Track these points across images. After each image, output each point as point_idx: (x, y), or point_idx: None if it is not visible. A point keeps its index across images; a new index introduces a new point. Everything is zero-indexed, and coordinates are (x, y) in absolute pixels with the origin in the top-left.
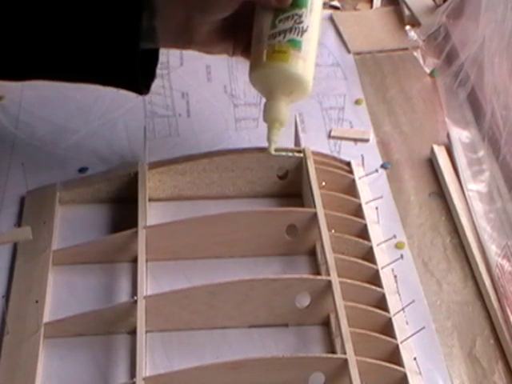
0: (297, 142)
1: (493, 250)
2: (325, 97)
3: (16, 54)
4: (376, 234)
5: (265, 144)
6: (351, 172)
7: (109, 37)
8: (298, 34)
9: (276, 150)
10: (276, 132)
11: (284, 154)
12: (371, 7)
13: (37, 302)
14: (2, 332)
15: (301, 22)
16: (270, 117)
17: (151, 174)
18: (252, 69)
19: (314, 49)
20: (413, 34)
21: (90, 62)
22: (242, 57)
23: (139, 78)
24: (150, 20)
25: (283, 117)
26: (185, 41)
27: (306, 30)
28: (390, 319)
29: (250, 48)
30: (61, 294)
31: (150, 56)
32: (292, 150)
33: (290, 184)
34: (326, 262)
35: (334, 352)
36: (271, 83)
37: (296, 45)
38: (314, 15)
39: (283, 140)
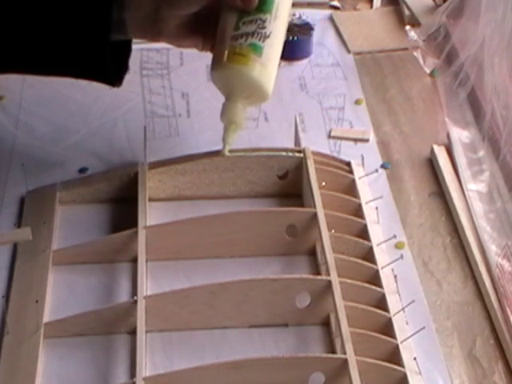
0: (297, 142)
1: (493, 250)
2: (325, 97)
3: None
4: (376, 234)
5: (265, 144)
6: (351, 172)
7: (80, 29)
8: (260, 39)
9: (276, 149)
10: (231, 134)
11: (284, 154)
12: (371, 7)
13: (37, 301)
14: (2, 332)
15: (264, 28)
16: (226, 118)
17: (151, 173)
18: (213, 67)
19: (275, 56)
20: (413, 34)
21: (61, 55)
22: (211, 52)
23: (111, 70)
24: (119, 11)
25: (239, 119)
26: (154, 32)
27: (268, 36)
28: (389, 319)
29: None
30: (61, 294)
31: (122, 48)
32: (292, 150)
33: (290, 184)
34: (326, 262)
35: (334, 352)
36: (230, 84)
37: (257, 50)
38: (278, 22)
39: (283, 140)
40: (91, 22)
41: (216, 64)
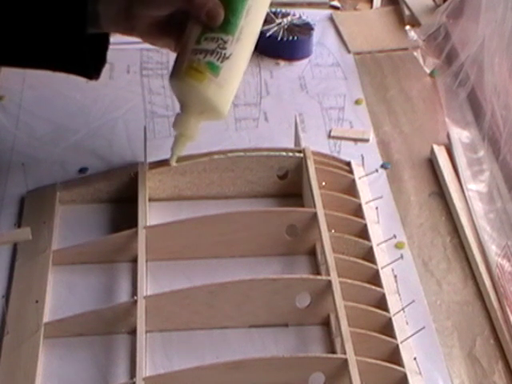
0: (297, 142)
1: (493, 250)
2: (325, 97)
3: None
4: (376, 234)
5: (265, 144)
6: (351, 172)
7: (56, 21)
8: (218, 59)
9: (276, 149)
10: (180, 146)
11: (284, 154)
12: (371, 7)
13: (37, 301)
14: (2, 332)
15: (224, 48)
16: (177, 129)
17: (151, 173)
18: (171, 75)
19: (234, 79)
20: (413, 34)
21: (38, 47)
22: None
23: (88, 63)
24: (93, 4)
25: (190, 133)
26: (127, 28)
27: (227, 58)
28: (390, 319)
29: None
30: (61, 294)
31: (100, 41)
32: (292, 150)
33: (290, 184)
34: (326, 261)
35: (334, 352)
36: (185, 97)
37: (214, 69)
38: (240, 46)
39: (283, 140)
40: (67, 14)
41: (174, 73)
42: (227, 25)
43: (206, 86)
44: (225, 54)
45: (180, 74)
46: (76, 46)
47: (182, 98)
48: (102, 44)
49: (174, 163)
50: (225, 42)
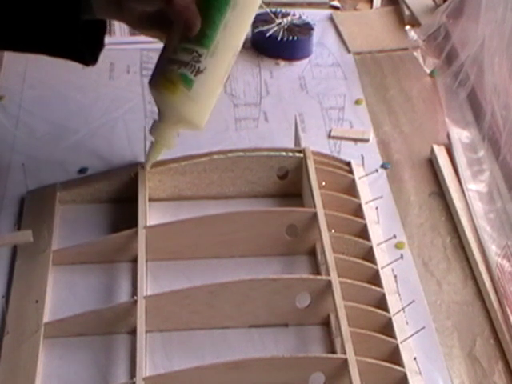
0: (297, 142)
1: (493, 250)
2: (325, 97)
3: None
4: (376, 234)
5: (265, 144)
6: (351, 172)
7: (51, 8)
8: (192, 72)
9: (276, 149)
10: (155, 153)
11: (284, 154)
12: (371, 7)
13: (37, 301)
14: (2, 332)
15: (198, 62)
16: (153, 136)
17: (151, 173)
18: (150, 80)
19: (208, 93)
20: (413, 34)
21: (34, 33)
22: None
23: (83, 49)
24: None
25: (165, 141)
26: (118, 16)
27: (201, 72)
28: (390, 319)
29: None
30: (61, 294)
31: (96, 26)
32: (292, 150)
33: (290, 184)
34: (326, 261)
35: (334, 352)
36: (160, 105)
37: (187, 82)
38: (215, 61)
39: (283, 140)
40: (62, 1)
41: (151, 79)
42: (203, 37)
43: (178, 98)
44: (199, 68)
45: (155, 82)
46: (71, 33)
47: (158, 106)
48: (100, 28)
49: (148, 168)
50: (199, 56)
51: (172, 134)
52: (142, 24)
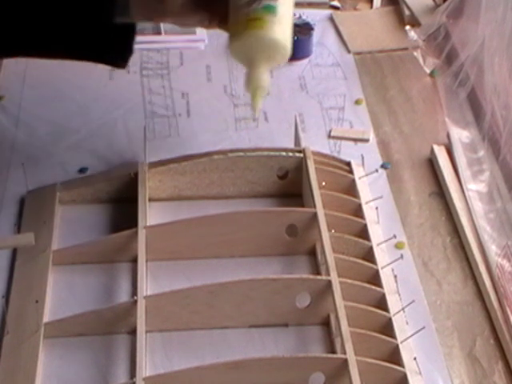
0: (297, 142)
1: (493, 250)
2: (325, 97)
3: None
4: (376, 234)
5: (265, 144)
6: (351, 172)
7: (84, 12)
8: None
9: (276, 149)
10: (259, 99)
11: (284, 154)
12: (371, 7)
13: (37, 301)
14: (2, 332)
15: None
16: (252, 85)
17: (151, 173)
18: (230, 40)
19: (289, 11)
20: (413, 34)
21: (66, 37)
22: (218, 29)
23: (115, 52)
24: None
25: (265, 83)
26: (159, 13)
27: None
28: (390, 319)
29: (225, 20)
30: (61, 294)
31: (127, 31)
32: (292, 150)
33: (290, 184)
34: (326, 261)
35: (334, 352)
36: (250, 52)
37: (271, 10)
38: None
39: (283, 140)
40: (95, 5)
41: (233, 36)
42: None
43: (270, 28)
44: None
45: (240, 32)
46: (103, 37)
47: (248, 55)
48: (129, 34)
49: (257, 116)
50: None
51: (268, 75)
52: (185, 11)
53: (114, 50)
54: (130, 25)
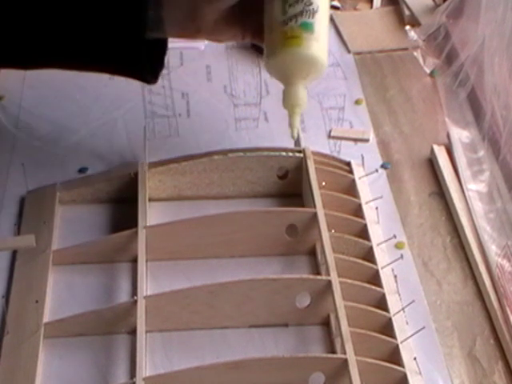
0: (297, 141)
1: (493, 250)
2: (325, 97)
3: (26, 41)
4: (376, 234)
5: (265, 144)
6: (351, 172)
7: (115, 26)
8: (309, 17)
9: (276, 149)
10: (297, 117)
11: (284, 154)
12: (371, 7)
13: (37, 301)
14: (2, 332)
15: (310, 4)
16: (289, 103)
17: (151, 173)
18: (267, 57)
19: (325, 27)
20: (413, 34)
21: (97, 51)
22: (252, 41)
23: (146, 68)
24: (156, 10)
25: (302, 101)
26: (192, 30)
27: (316, 11)
28: (390, 319)
29: (259, 32)
30: (61, 294)
31: (158, 45)
32: (292, 150)
33: (290, 184)
34: (326, 261)
35: (334, 352)
36: (287, 69)
37: (308, 27)
38: None
39: (283, 140)
40: (126, 20)
41: (270, 53)
42: None
43: (307, 45)
44: (313, 9)
45: (277, 50)
46: (135, 52)
47: (285, 72)
48: (161, 48)
49: (295, 136)
50: None
51: (305, 92)
52: (218, 28)
53: (146, 65)
54: (161, 40)
